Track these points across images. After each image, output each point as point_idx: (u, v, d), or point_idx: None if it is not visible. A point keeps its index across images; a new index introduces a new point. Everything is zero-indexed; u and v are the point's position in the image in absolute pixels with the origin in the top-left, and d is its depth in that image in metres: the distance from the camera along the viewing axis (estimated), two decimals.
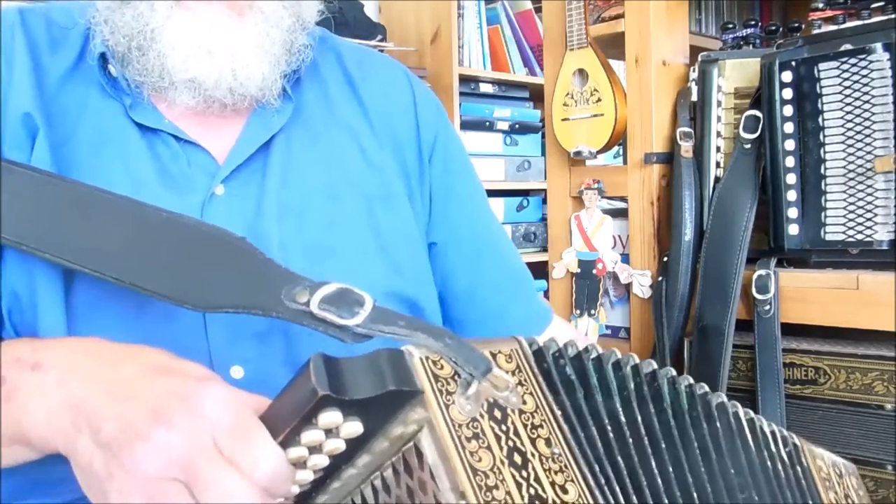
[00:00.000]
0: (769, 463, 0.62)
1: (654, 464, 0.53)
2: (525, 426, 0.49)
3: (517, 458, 0.47)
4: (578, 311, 1.39)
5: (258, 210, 0.69)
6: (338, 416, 0.45)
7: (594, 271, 1.36)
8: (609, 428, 0.53)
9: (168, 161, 0.68)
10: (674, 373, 0.59)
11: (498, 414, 0.48)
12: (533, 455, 0.48)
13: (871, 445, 0.98)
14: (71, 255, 0.57)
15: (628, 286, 1.31)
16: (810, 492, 0.64)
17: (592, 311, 1.37)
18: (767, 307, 1.05)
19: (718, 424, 0.59)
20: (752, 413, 0.63)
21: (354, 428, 0.46)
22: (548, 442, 0.49)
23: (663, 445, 0.55)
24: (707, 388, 0.60)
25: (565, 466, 0.49)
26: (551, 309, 0.90)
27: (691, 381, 0.59)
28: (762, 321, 1.06)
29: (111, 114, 0.69)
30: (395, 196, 0.77)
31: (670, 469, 0.54)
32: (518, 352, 0.53)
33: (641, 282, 1.27)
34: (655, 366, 0.58)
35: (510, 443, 0.47)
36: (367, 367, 0.46)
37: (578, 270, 1.39)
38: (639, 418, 0.55)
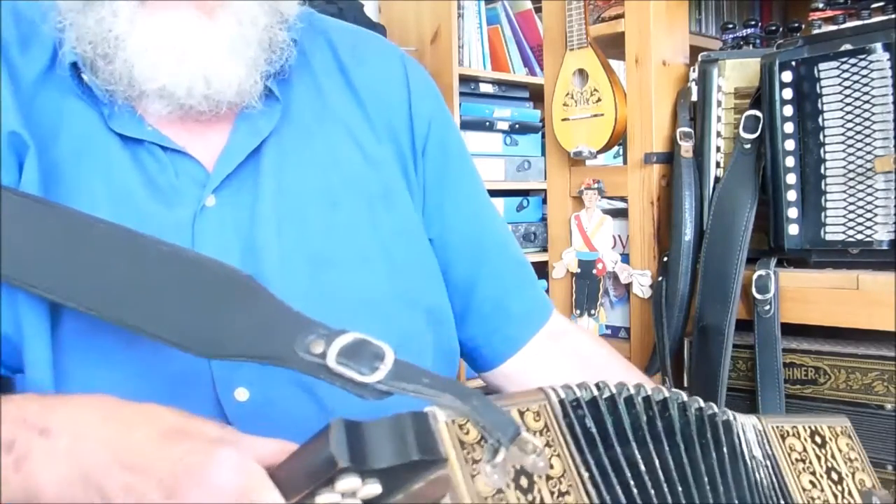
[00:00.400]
0: (756, 475, 0.60)
1: None
2: (552, 493, 0.47)
3: None
4: (578, 311, 1.39)
5: (253, 220, 0.65)
6: (356, 482, 0.44)
7: (594, 271, 1.36)
8: (632, 482, 0.51)
9: (154, 172, 0.64)
10: (684, 397, 0.57)
11: (524, 482, 0.46)
12: None
13: (871, 445, 0.98)
14: (65, 293, 0.55)
15: (628, 286, 1.30)
16: (783, 490, 0.62)
17: (592, 311, 1.37)
18: (767, 307, 1.05)
19: (725, 450, 0.58)
20: (741, 418, 0.62)
21: (373, 490, 0.44)
22: None
23: (680, 489, 0.53)
24: (715, 408, 0.59)
25: None
26: (551, 302, 0.88)
27: (701, 403, 0.58)
28: (762, 321, 1.06)
29: (90, 122, 0.64)
30: (395, 192, 0.74)
31: None
32: (546, 408, 0.51)
33: (641, 282, 1.27)
34: (666, 393, 0.56)
35: None
36: (389, 432, 0.44)
37: (578, 270, 1.38)
38: (656, 462, 0.53)
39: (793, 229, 1.04)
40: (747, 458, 0.60)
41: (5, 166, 0.59)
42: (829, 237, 1.02)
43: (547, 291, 1.45)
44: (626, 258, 1.32)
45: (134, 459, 0.48)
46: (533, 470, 0.47)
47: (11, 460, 0.51)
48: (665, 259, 1.21)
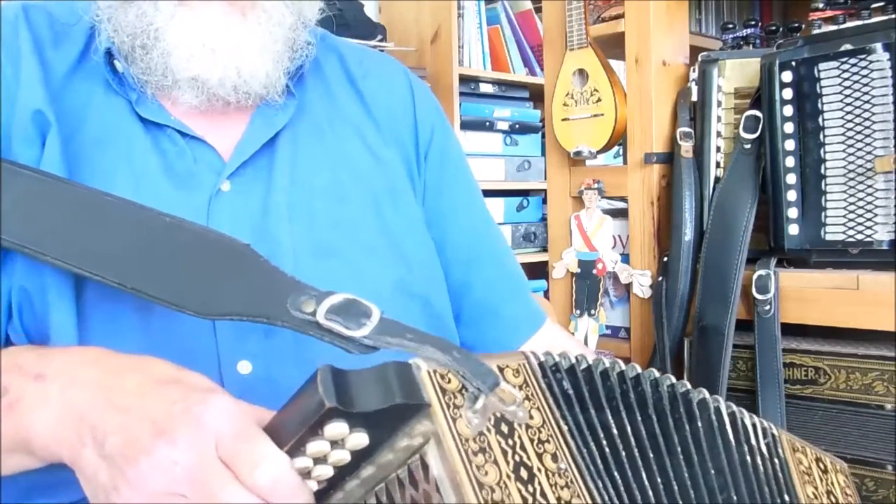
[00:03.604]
0: (748, 457, 0.62)
1: (644, 476, 0.54)
2: (532, 441, 0.49)
3: (523, 473, 0.47)
4: (578, 311, 1.39)
5: (265, 208, 0.69)
6: (344, 427, 0.45)
7: (594, 271, 1.36)
8: (605, 443, 0.53)
9: (174, 158, 0.68)
10: (657, 374, 0.59)
11: (505, 428, 0.48)
12: (539, 470, 0.48)
13: (871, 445, 0.98)
14: (74, 259, 0.57)
15: (628, 286, 1.30)
16: (786, 484, 0.64)
17: (592, 311, 1.37)
18: (767, 307, 1.05)
19: (699, 424, 0.59)
20: (733, 407, 0.63)
21: (360, 440, 0.46)
22: (554, 457, 0.49)
23: (651, 455, 0.55)
24: (689, 386, 0.61)
25: (571, 482, 0.49)
26: (544, 312, 0.90)
27: (673, 380, 0.60)
28: (762, 321, 1.06)
29: (116, 110, 0.69)
30: (401, 191, 0.77)
31: (659, 480, 0.54)
32: (525, 366, 0.53)
33: (641, 282, 1.27)
34: (639, 369, 0.59)
35: (517, 457, 0.47)
36: (374, 379, 0.46)
37: (578, 270, 1.39)
38: (628, 428, 0.55)
39: (793, 229, 1.04)
40: (732, 438, 0.61)
41: (29, 142, 0.63)
42: (829, 237, 1.02)
43: (547, 291, 1.46)
44: (626, 258, 1.32)
45: (128, 401, 0.49)
46: (513, 418, 0.49)
47: (5, 404, 0.53)
48: (665, 259, 1.21)
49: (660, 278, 1.21)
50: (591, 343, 1.37)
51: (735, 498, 0.58)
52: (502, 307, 0.84)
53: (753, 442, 0.63)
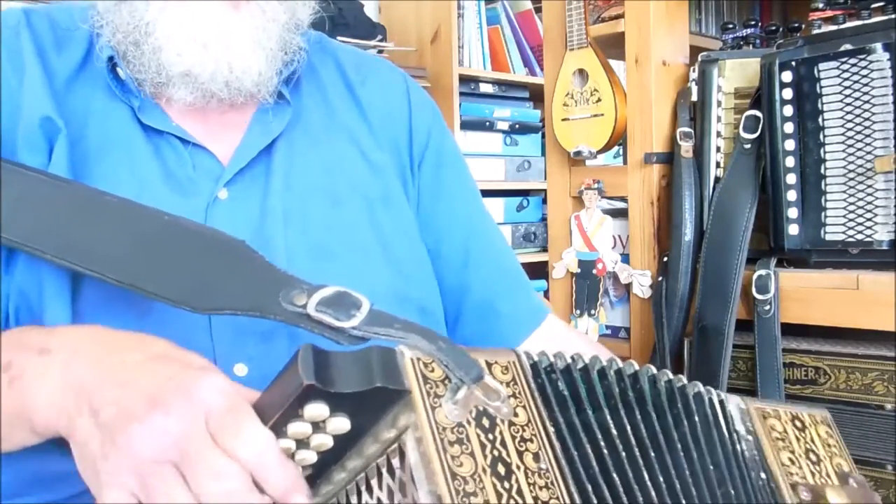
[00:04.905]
0: (736, 446, 0.61)
1: (646, 475, 0.53)
2: (514, 438, 0.48)
3: (500, 469, 0.46)
4: (578, 311, 1.39)
5: (262, 214, 0.69)
6: (324, 409, 0.45)
7: (594, 271, 1.36)
8: (602, 443, 0.52)
9: (174, 165, 0.69)
10: (654, 370, 0.59)
11: (486, 422, 0.48)
12: (518, 467, 0.47)
13: (871, 445, 0.98)
14: (74, 257, 0.58)
15: (628, 286, 1.31)
16: (761, 462, 0.63)
17: (592, 311, 1.37)
18: (767, 307, 1.05)
19: (696, 418, 0.59)
20: (722, 395, 0.63)
21: (341, 424, 0.46)
22: (536, 456, 0.48)
23: (652, 454, 0.54)
24: (685, 381, 0.60)
25: (552, 483, 0.48)
26: (548, 308, 0.90)
27: (670, 375, 0.60)
28: (762, 321, 1.06)
29: (117, 117, 0.69)
30: (394, 196, 0.78)
31: (661, 478, 0.54)
32: (515, 364, 0.52)
33: (641, 282, 1.27)
34: (637, 366, 0.58)
35: (495, 452, 0.47)
36: (356, 362, 0.46)
37: (578, 270, 1.39)
38: (627, 428, 0.54)
39: (793, 229, 1.04)
40: (724, 429, 0.61)
41: (36, 148, 0.64)
42: (829, 237, 1.02)
43: (547, 291, 1.46)
44: (626, 258, 1.32)
45: (126, 376, 0.51)
46: (496, 413, 0.48)
47: (7, 378, 0.54)
48: (665, 259, 1.21)
49: (660, 278, 1.21)
50: None
51: (732, 491, 0.58)
52: (502, 305, 0.84)
53: (738, 427, 0.63)
